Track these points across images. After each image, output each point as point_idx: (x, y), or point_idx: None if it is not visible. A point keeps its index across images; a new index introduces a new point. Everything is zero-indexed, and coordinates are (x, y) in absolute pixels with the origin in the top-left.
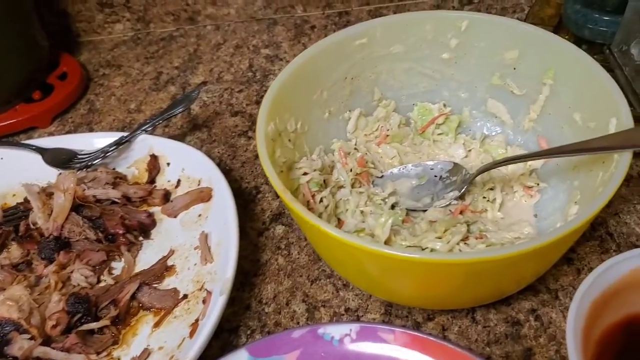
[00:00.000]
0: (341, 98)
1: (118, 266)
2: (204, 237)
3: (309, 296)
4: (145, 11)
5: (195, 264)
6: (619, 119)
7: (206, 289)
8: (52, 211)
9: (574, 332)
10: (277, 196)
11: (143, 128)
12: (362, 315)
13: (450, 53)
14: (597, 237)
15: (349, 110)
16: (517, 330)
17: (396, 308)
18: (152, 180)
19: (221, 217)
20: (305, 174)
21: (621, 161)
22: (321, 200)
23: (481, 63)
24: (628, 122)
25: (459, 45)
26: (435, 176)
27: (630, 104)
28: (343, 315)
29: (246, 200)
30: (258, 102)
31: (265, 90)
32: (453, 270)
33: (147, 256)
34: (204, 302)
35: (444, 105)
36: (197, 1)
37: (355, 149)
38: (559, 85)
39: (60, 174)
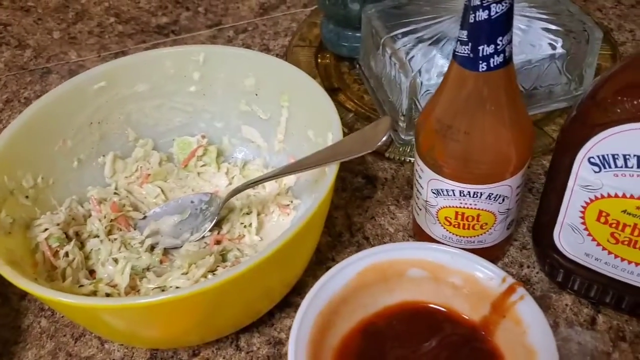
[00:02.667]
0: (91, 144)
1: None
2: None
3: (73, 355)
4: None
5: None
6: (333, 134)
7: None
8: None
9: (295, 351)
10: None
11: None
12: None
13: (196, 86)
14: (355, 243)
15: (103, 155)
16: (279, 350)
17: (162, 351)
18: None
19: None
20: (46, 229)
21: (329, 173)
22: (67, 255)
23: (227, 92)
24: (338, 136)
25: (202, 78)
26: (196, 209)
27: (375, 111)
28: None
29: None
30: None
31: None
32: (175, 306)
33: None
34: None
35: (203, 137)
36: None
37: (116, 193)
38: (293, 107)
39: None
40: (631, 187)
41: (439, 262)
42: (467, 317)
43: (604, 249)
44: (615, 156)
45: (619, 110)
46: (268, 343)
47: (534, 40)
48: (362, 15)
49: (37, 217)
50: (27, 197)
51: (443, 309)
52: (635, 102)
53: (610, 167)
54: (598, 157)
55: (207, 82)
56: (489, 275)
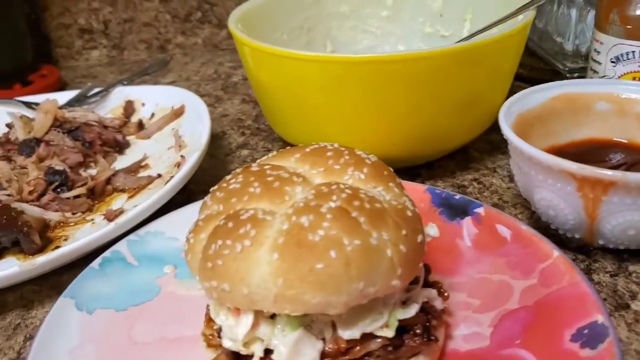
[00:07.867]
0: (298, 45)
1: (93, 173)
2: (176, 132)
3: None
4: (121, 38)
5: (168, 157)
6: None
7: (181, 155)
8: (32, 129)
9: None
10: (242, 134)
11: (121, 80)
12: None
13: (388, 11)
14: None
15: None
16: (462, 190)
17: None
18: (127, 118)
19: (194, 115)
20: None
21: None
22: None
23: (414, 17)
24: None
25: (394, 3)
26: None
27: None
28: None
29: (213, 139)
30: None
31: None
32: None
33: (121, 166)
34: (177, 166)
35: None
36: (168, 30)
37: None
38: (475, 18)
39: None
40: None
41: (626, 95)
42: None
43: None
44: None
45: None
46: (452, 186)
47: None
48: None
49: None
50: None
51: (628, 142)
52: None
53: None
54: None
55: (398, 7)
56: None
